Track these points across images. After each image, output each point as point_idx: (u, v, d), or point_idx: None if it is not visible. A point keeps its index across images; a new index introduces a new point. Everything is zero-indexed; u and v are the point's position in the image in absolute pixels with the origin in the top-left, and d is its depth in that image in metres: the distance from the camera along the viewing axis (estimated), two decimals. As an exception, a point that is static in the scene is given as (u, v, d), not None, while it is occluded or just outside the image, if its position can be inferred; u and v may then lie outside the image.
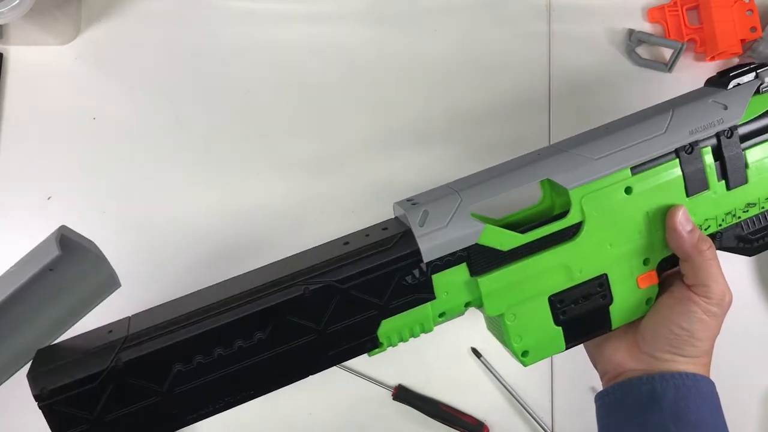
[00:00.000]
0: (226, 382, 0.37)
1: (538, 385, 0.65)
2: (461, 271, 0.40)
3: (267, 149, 0.68)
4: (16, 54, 0.69)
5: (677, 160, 0.42)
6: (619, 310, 0.44)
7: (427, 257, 0.39)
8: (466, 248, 0.39)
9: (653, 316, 0.43)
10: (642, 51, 0.67)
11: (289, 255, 0.42)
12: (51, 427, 0.35)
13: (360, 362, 0.65)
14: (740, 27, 0.64)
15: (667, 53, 0.67)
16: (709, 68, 0.67)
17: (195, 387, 0.37)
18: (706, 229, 0.44)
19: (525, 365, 0.44)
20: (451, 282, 0.40)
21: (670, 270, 0.45)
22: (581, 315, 0.43)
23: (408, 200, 0.41)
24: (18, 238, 0.67)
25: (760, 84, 0.43)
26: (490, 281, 0.40)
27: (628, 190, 0.41)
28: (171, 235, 0.66)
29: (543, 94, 0.68)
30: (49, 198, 0.67)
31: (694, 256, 0.41)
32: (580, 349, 0.48)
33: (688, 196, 0.43)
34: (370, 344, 0.40)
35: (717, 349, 0.64)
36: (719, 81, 0.44)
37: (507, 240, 0.40)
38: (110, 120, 0.68)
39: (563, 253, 0.41)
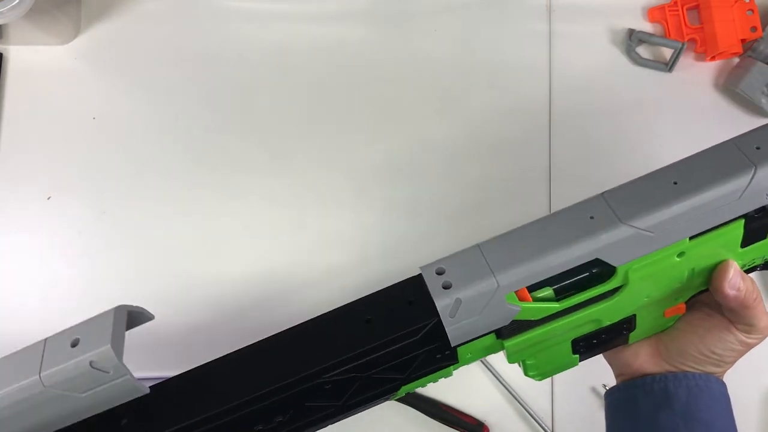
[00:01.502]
0: None
1: (538, 385, 0.65)
2: (489, 338, 0.38)
3: (267, 150, 0.68)
4: (16, 54, 0.69)
5: (743, 221, 0.37)
6: (639, 333, 0.42)
7: (455, 342, 0.36)
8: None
9: (684, 334, 0.42)
10: (642, 51, 0.67)
11: (306, 317, 0.39)
12: None
13: (360, 362, 0.65)
14: (740, 27, 0.64)
15: (668, 53, 0.67)
16: (710, 68, 0.67)
17: None
18: (750, 265, 0.40)
19: (538, 381, 0.43)
20: (476, 347, 0.38)
21: (700, 293, 0.43)
22: (600, 342, 0.41)
23: (437, 272, 0.35)
24: (18, 238, 0.67)
25: None
26: (517, 344, 0.38)
27: (680, 255, 0.37)
28: (170, 235, 0.66)
29: (543, 93, 0.68)
30: (49, 198, 0.67)
31: (740, 311, 0.39)
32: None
33: (742, 247, 0.38)
34: (387, 399, 0.39)
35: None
36: None
37: (541, 311, 0.36)
38: (110, 120, 0.68)
39: (597, 312, 0.38)
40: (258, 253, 0.65)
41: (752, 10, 0.64)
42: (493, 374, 0.64)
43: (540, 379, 0.43)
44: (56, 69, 0.69)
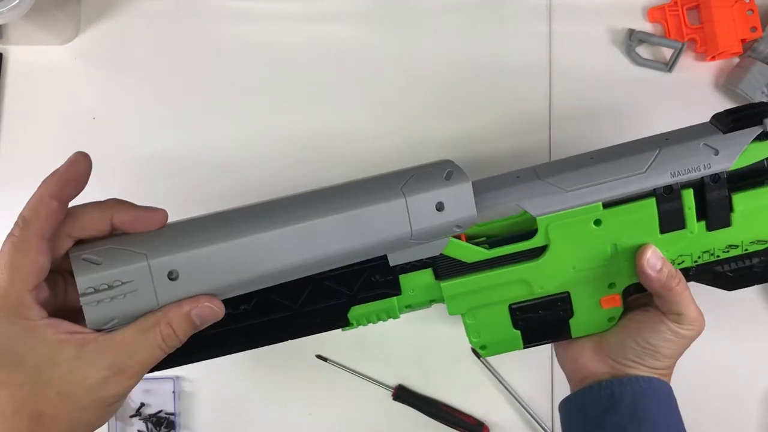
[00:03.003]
0: (210, 340, 0.41)
1: (538, 385, 0.65)
2: (426, 274, 0.43)
3: (267, 149, 0.68)
4: (16, 54, 0.69)
5: (653, 198, 0.41)
6: (579, 323, 0.45)
7: (393, 262, 0.42)
8: (431, 257, 0.42)
9: (623, 329, 0.45)
10: (642, 51, 0.67)
11: None
12: None
13: (360, 362, 0.65)
14: (741, 27, 0.64)
15: (668, 53, 0.67)
16: (710, 68, 0.67)
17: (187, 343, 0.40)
18: (679, 264, 0.43)
19: (483, 356, 0.48)
20: (416, 282, 0.43)
21: (640, 294, 0.46)
22: (540, 323, 0.45)
23: None
24: (18, 238, 0.67)
25: (762, 131, 0.40)
26: (452, 287, 0.43)
27: (597, 222, 0.41)
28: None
29: (543, 93, 0.68)
30: (49, 198, 0.67)
31: (663, 293, 0.41)
32: (580, 349, 0.48)
33: (661, 233, 0.42)
34: (341, 323, 0.44)
35: (717, 349, 0.65)
36: (722, 120, 0.42)
37: (471, 254, 0.42)
38: (110, 120, 0.68)
39: (525, 270, 0.43)
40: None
41: (752, 10, 0.64)
42: (493, 374, 0.64)
43: (485, 354, 0.46)
44: (56, 69, 0.69)
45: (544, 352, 0.65)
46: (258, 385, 0.66)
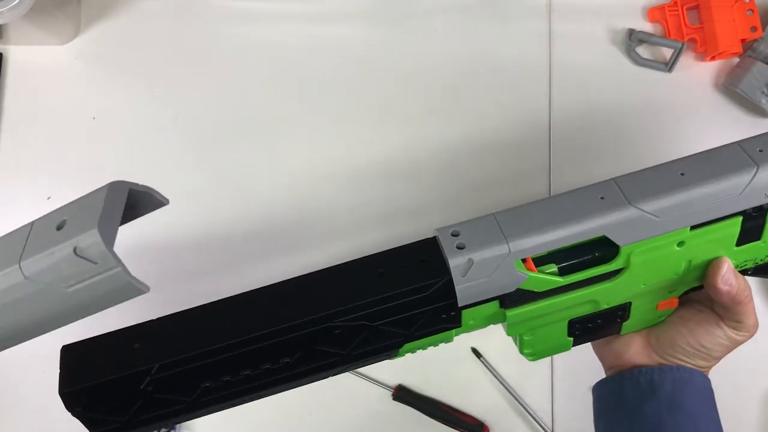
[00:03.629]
0: (247, 392, 0.39)
1: (538, 385, 0.65)
2: (493, 305, 0.39)
3: (267, 149, 0.68)
4: (16, 54, 0.69)
5: (741, 218, 0.39)
6: (631, 324, 0.44)
7: (462, 303, 0.38)
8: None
9: (674, 326, 0.44)
10: (642, 51, 0.67)
11: (311, 270, 0.40)
12: (84, 425, 0.37)
13: (360, 362, 0.65)
14: (740, 27, 0.64)
15: (668, 53, 0.67)
16: (710, 68, 0.67)
17: (219, 397, 0.38)
18: (742, 266, 0.42)
19: (530, 361, 0.45)
20: (479, 313, 0.40)
21: (693, 291, 0.44)
22: (595, 328, 0.43)
23: (452, 234, 0.38)
24: (18, 238, 0.67)
25: None
26: (518, 315, 0.40)
27: (680, 244, 0.39)
28: (171, 236, 0.66)
29: (543, 93, 0.68)
30: (49, 198, 0.67)
31: (732, 306, 0.41)
32: (581, 350, 0.48)
33: (737, 246, 0.40)
34: (389, 357, 0.41)
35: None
36: None
37: (545, 283, 0.39)
38: (110, 120, 0.68)
39: (596, 292, 0.40)
40: (256, 255, 0.65)
41: (752, 10, 0.64)
42: (493, 374, 0.64)
43: (532, 359, 0.44)
44: (56, 69, 0.69)
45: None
46: (258, 385, 0.66)
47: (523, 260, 0.38)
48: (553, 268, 0.39)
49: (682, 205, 0.37)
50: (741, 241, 0.40)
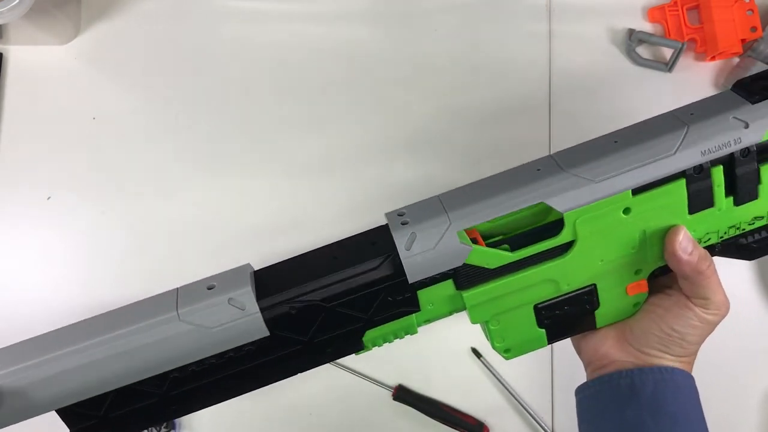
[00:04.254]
0: (217, 384, 0.39)
1: (538, 385, 0.65)
2: (446, 286, 0.40)
3: (267, 149, 0.68)
4: (16, 54, 0.69)
5: (683, 180, 0.39)
6: (605, 313, 0.44)
7: (412, 278, 0.39)
8: (452, 268, 0.39)
9: (646, 314, 0.43)
10: (642, 51, 0.67)
11: (279, 261, 0.42)
12: (62, 420, 0.38)
13: (360, 362, 0.65)
14: (741, 27, 0.64)
15: (668, 53, 0.67)
16: (710, 68, 0.67)
17: (189, 389, 0.39)
18: (705, 242, 0.42)
19: (506, 359, 0.44)
20: (436, 295, 0.40)
21: (663, 275, 0.44)
22: (566, 318, 0.43)
23: (398, 214, 0.39)
24: (18, 238, 0.67)
25: None
26: (475, 296, 0.40)
27: (626, 211, 0.39)
28: (171, 235, 0.66)
29: (543, 93, 0.68)
30: (49, 198, 0.67)
31: (694, 276, 0.40)
32: (580, 349, 0.48)
33: (690, 213, 0.40)
34: (355, 348, 0.41)
35: (717, 349, 0.64)
36: (747, 89, 0.39)
37: (494, 259, 0.39)
38: (110, 120, 0.68)
39: (552, 269, 0.40)
40: (259, 252, 0.65)
41: (752, 10, 0.64)
42: (493, 374, 0.64)
43: (508, 356, 0.44)
44: (56, 69, 0.69)
45: (545, 350, 0.65)
46: (258, 385, 0.66)
47: (475, 240, 0.39)
48: (506, 247, 0.40)
49: (615, 165, 0.38)
50: (693, 207, 0.40)
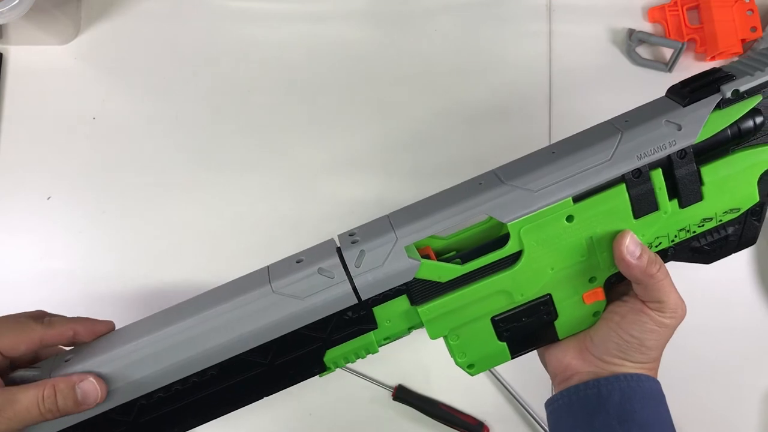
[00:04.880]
0: (185, 410, 0.41)
1: (538, 385, 0.65)
2: (401, 301, 0.41)
3: (267, 149, 0.68)
4: (16, 54, 0.69)
5: (623, 185, 0.39)
6: (564, 324, 0.44)
7: (364, 295, 0.39)
8: (404, 283, 0.40)
9: (604, 322, 0.43)
10: (642, 51, 0.67)
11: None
12: None
13: (360, 362, 0.65)
14: (740, 27, 0.64)
15: (668, 53, 0.67)
16: (710, 68, 0.67)
17: (156, 416, 0.40)
18: (656, 246, 0.42)
19: (471, 375, 0.44)
20: (392, 312, 0.41)
21: (620, 283, 0.44)
22: (525, 330, 0.43)
23: (349, 234, 0.41)
24: (18, 238, 0.67)
25: (721, 99, 0.39)
26: (429, 310, 0.41)
27: (569, 219, 0.40)
28: (170, 235, 0.66)
29: (543, 93, 0.68)
30: (49, 198, 0.67)
31: (645, 280, 0.40)
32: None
33: (635, 218, 0.40)
34: (318, 369, 0.42)
35: (717, 349, 0.65)
36: (679, 93, 0.41)
37: (444, 272, 0.40)
38: (110, 120, 0.68)
39: (502, 280, 0.41)
40: (258, 248, 0.65)
41: (752, 10, 0.64)
42: (493, 374, 0.64)
43: (472, 372, 0.44)
44: (56, 69, 0.69)
45: (544, 352, 0.65)
46: (258, 385, 0.66)
47: (427, 256, 0.41)
48: (458, 261, 0.41)
49: (553, 175, 0.39)
50: (637, 212, 0.40)
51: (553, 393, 0.45)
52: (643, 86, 0.67)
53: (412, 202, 0.43)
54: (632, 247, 0.40)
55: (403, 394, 0.64)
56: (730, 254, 0.44)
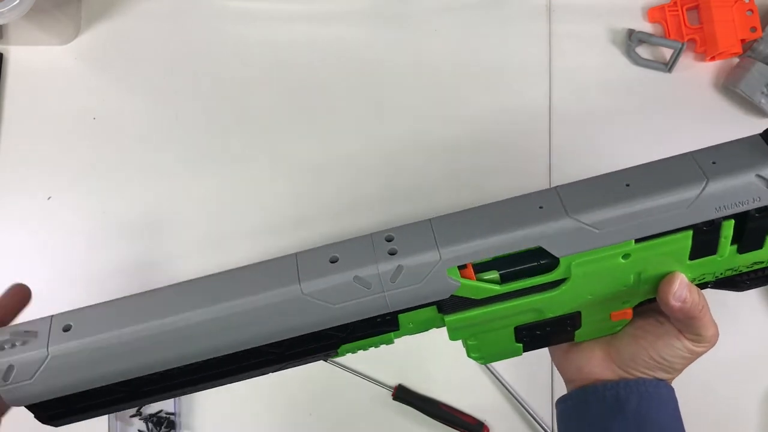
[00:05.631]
0: (187, 382, 0.39)
1: (538, 385, 0.65)
2: (429, 310, 0.39)
3: (267, 149, 0.68)
4: (16, 54, 0.69)
5: (691, 232, 0.37)
6: (584, 332, 0.43)
7: (394, 308, 0.37)
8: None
9: (636, 340, 0.43)
10: (642, 51, 0.67)
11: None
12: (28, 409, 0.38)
13: (360, 362, 0.65)
14: (740, 27, 0.64)
15: (667, 53, 0.67)
16: (710, 68, 0.67)
17: (158, 387, 0.39)
18: (700, 280, 0.40)
19: (480, 363, 0.44)
20: (418, 317, 0.39)
21: (650, 302, 0.43)
22: (545, 335, 0.42)
23: (387, 240, 0.37)
24: (18, 238, 0.67)
25: None
26: (457, 321, 0.39)
27: (625, 257, 0.37)
28: (170, 235, 0.66)
29: (543, 93, 0.68)
30: (49, 198, 0.67)
31: (686, 321, 0.40)
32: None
33: (690, 259, 0.38)
34: (328, 356, 0.41)
35: (717, 349, 0.64)
36: None
37: (481, 291, 0.38)
38: (110, 120, 0.68)
39: (539, 301, 0.39)
40: (254, 249, 0.65)
41: (752, 11, 0.64)
42: (493, 374, 0.64)
43: (482, 363, 0.44)
44: (56, 69, 0.69)
45: (544, 352, 0.65)
46: (257, 385, 0.66)
47: (463, 266, 0.37)
48: (495, 274, 0.38)
49: (624, 217, 0.36)
50: (694, 255, 0.38)
51: (568, 391, 0.45)
52: (643, 86, 0.67)
53: (454, 211, 0.39)
54: (680, 292, 0.38)
55: (403, 394, 0.64)
56: (763, 286, 0.43)
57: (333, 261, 0.36)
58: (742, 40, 0.65)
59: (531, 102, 0.67)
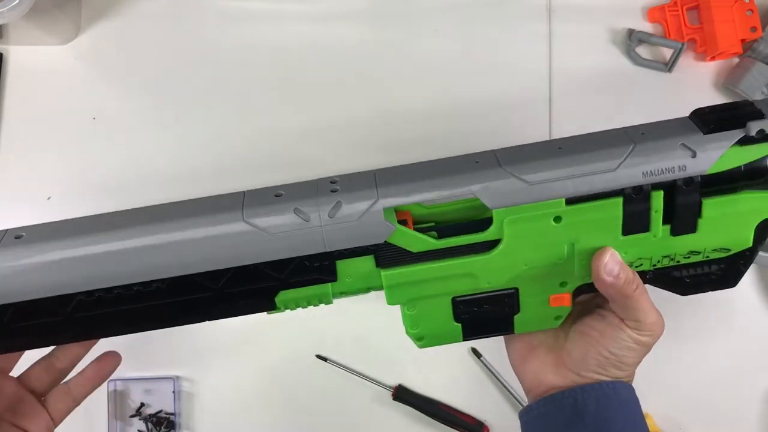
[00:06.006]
0: (122, 315, 0.40)
1: (538, 385, 0.65)
2: (366, 261, 0.40)
3: (267, 149, 0.68)
4: (16, 54, 0.69)
5: (621, 198, 0.38)
6: (524, 320, 0.43)
7: (331, 247, 0.38)
8: (374, 244, 0.39)
9: (583, 337, 0.43)
10: (642, 51, 0.67)
11: None
12: None
13: (360, 362, 0.65)
14: (740, 27, 0.64)
15: (667, 53, 0.67)
16: (710, 68, 0.67)
17: (93, 315, 0.39)
18: (637, 266, 0.40)
19: (420, 347, 0.44)
20: (354, 269, 0.40)
21: (591, 294, 0.43)
22: (483, 317, 0.42)
23: (331, 182, 0.39)
24: (18, 238, 0.67)
25: (744, 135, 0.37)
26: (393, 276, 0.40)
27: (557, 219, 0.38)
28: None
29: (543, 93, 0.68)
30: (49, 198, 0.67)
31: (620, 300, 0.40)
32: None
33: (623, 234, 0.39)
34: (268, 307, 0.41)
35: (717, 349, 0.65)
36: (703, 118, 0.39)
37: (417, 243, 0.39)
38: (110, 120, 0.68)
39: (473, 263, 0.40)
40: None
41: (752, 10, 0.64)
42: (493, 374, 0.64)
43: (421, 345, 0.43)
44: (56, 69, 0.69)
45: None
46: (258, 385, 0.66)
47: (404, 222, 0.39)
48: (433, 234, 0.40)
49: (553, 171, 0.37)
50: (627, 228, 0.39)
51: (529, 402, 0.45)
52: (643, 86, 0.67)
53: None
54: (611, 265, 0.38)
55: (403, 394, 0.64)
56: (707, 292, 0.43)
57: (277, 195, 0.38)
58: (742, 40, 0.65)
59: (531, 102, 0.67)
